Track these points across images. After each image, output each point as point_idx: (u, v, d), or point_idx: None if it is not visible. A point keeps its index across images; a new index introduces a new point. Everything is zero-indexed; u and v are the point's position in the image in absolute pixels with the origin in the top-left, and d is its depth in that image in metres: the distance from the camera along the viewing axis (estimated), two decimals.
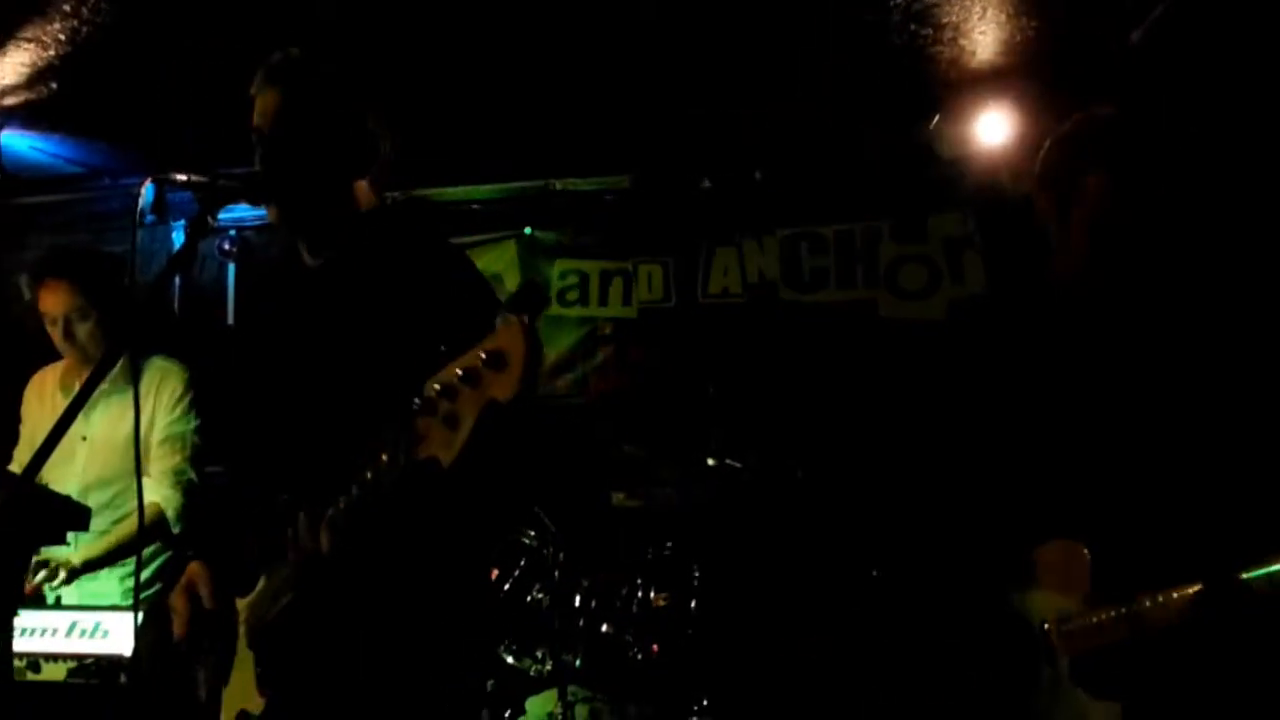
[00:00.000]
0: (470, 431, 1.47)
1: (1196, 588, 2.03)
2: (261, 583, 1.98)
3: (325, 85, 2.00)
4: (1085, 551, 2.49)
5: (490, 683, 3.59)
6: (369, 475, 1.66)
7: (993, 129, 4.30)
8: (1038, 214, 2.13)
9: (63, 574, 3.00)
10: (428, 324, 1.67)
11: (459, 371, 1.47)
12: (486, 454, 1.50)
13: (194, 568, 2.07)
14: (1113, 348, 2.12)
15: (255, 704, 1.94)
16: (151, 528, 3.13)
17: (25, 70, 3.97)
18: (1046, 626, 2.92)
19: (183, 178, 1.79)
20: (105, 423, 3.20)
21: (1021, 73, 4.11)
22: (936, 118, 4.40)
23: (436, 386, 1.50)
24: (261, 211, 2.04)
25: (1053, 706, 2.64)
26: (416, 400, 1.52)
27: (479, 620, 2.12)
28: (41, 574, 2.97)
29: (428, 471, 1.54)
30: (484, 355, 1.44)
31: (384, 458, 1.62)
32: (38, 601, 2.91)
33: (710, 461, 4.01)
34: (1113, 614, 2.37)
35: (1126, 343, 2.10)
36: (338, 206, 2.03)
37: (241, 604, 2.01)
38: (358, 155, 2.04)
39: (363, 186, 2.08)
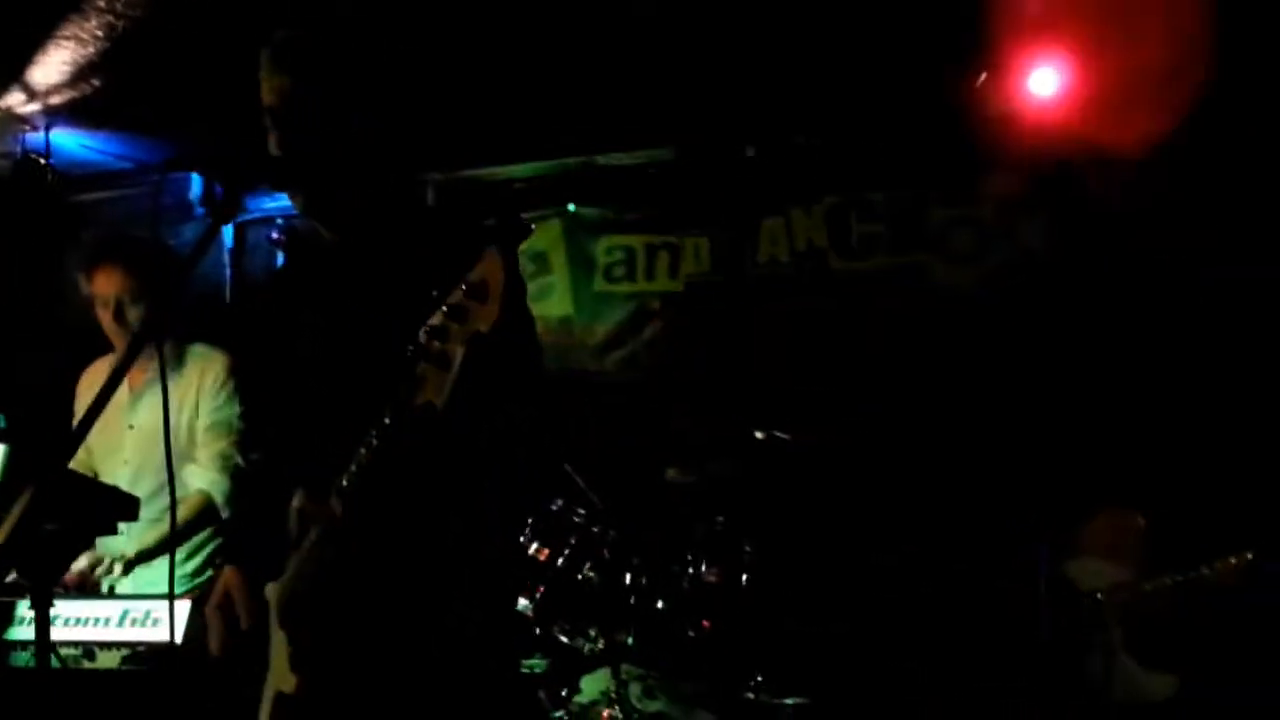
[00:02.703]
0: (459, 368, 1.46)
1: (1249, 555, 1.95)
2: (291, 563, 1.98)
3: (334, 67, 1.95)
4: (1140, 520, 2.42)
5: (545, 663, 3.60)
6: (374, 436, 1.66)
7: (1044, 83, 4.15)
8: None
9: (119, 567, 3.05)
10: (426, 278, 1.66)
11: (445, 309, 1.48)
12: (476, 389, 1.49)
13: (229, 576, 2.06)
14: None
15: (290, 684, 1.92)
16: (202, 514, 3.17)
17: (67, 68, 4.03)
18: (1100, 595, 2.84)
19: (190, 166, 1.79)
20: (151, 412, 3.23)
21: (1073, 24, 3.96)
22: (985, 74, 4.26)
23: (428, 329, 1.50)
24: None
25: (1106, 676, 2.57)
26: (411, 347, 1.52)
27: (507, 585, 2.09)
28: (99, 569, 3.02)
29: (425, 419, 1.53)
30: (465, 288, 1.45)
31: (387, 416, 1.62)
32: (91, 591, 2.96)
33: (759, 434, 3.96)
34: (1166, 582, 2.30)
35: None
36: (356, 190, 1.99)
37: (272, 588, 2.02)
38: (373, 138, 2.00)
39: (381, 168, 2.05)
